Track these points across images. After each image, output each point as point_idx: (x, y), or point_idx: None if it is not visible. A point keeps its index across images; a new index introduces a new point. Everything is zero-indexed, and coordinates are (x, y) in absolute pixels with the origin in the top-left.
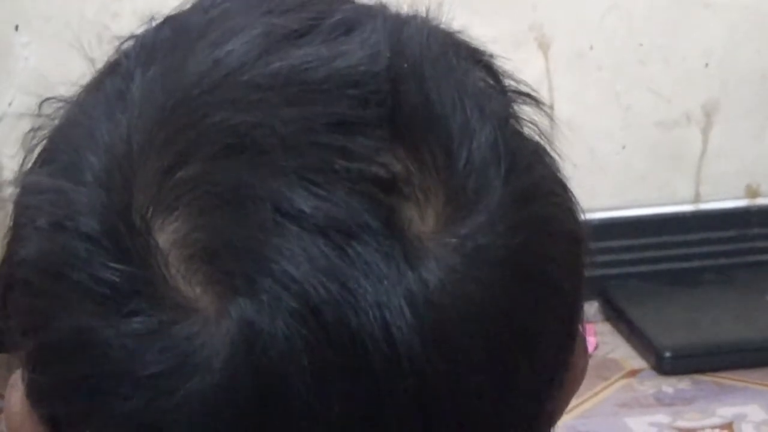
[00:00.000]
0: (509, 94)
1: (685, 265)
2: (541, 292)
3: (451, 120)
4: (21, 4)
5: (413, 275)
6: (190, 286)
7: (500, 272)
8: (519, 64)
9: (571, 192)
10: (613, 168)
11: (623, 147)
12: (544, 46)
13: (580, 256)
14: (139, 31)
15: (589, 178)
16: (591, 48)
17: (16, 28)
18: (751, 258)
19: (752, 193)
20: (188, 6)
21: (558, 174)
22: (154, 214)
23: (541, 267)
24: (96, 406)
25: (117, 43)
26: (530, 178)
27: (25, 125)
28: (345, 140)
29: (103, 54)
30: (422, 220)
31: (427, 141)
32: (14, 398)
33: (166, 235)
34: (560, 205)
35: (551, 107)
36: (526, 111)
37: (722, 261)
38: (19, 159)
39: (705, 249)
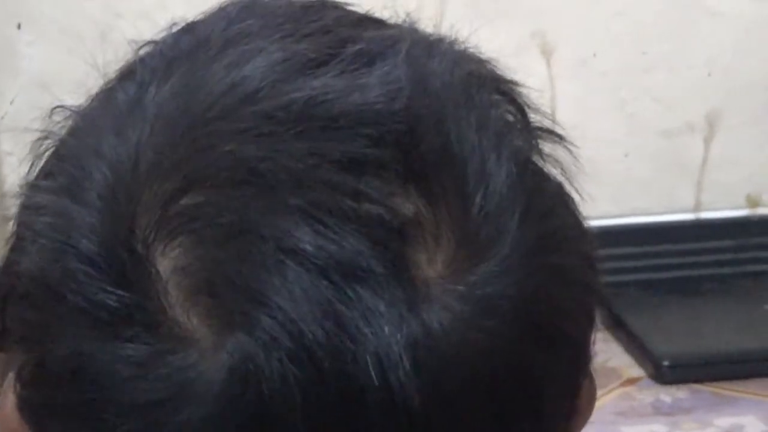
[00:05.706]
0: (533, 129)
1: (685, 273)
2: (549, 343)
3: (468, 163)
4: (24, 2)
5: (415, 321)
6: (188, 317)
7: (508, 322)
8: (521, 70)
9: (591, 235)
10: (616, 175)
11: (626, 155)
12: (547, 53)
13: (593, 304)
14: (158, 36)
15: (590, 185)
16: (594, 55)
17: (19, 26)
18: (751, 268)
19: (753, 202)
20: (210, 14)
21: (578, 217)
22: (156, 240)
23: (551, 318)
24: (87, 430)
25: (135, 47)
26: (547, 226)
27: (27, 123)
28: (355, 180)
29: (105, 53)
30: (430, 264)
31: (441, 184)
32: (7, 406)
33: (166, 261)
34: (576, 254)
35: (553, 114)
36: (548, 147)
37: (722, 270)
38: (19, 157)
39: (705, 258)
